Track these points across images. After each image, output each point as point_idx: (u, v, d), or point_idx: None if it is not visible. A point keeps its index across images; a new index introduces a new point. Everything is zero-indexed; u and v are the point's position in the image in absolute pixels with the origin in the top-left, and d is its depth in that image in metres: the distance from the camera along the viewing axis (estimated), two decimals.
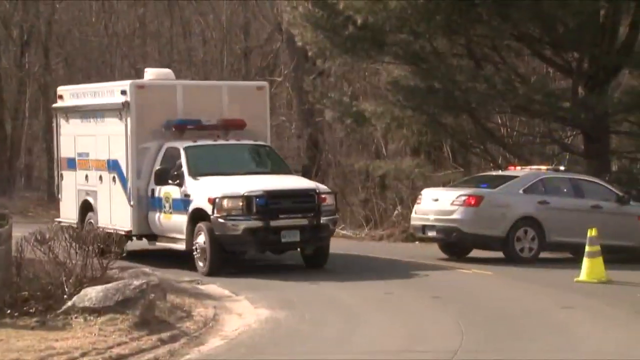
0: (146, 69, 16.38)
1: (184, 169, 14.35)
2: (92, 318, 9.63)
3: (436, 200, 15.76)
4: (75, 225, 15.16)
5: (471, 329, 9.80)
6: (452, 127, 19.39)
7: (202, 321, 10.26)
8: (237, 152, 15.26)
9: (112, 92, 15.54)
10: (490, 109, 19.34)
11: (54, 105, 17.26)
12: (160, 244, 14.88)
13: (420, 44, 18.29)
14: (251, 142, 15.27)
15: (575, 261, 14.04)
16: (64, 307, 9.91)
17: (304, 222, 13.73)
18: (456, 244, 15.74)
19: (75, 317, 9.70)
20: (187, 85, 16.02)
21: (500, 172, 16.79)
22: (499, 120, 21.73)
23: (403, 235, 19.38)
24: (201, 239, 13.80)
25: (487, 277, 13.74)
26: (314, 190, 14.12)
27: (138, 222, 14.93)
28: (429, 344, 9.27)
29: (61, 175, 16.90)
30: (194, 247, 13.92)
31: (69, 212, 16.52)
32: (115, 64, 34.11)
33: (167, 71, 16.39)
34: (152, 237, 15.03)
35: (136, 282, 10.04)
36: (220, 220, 13.60)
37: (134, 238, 15.12)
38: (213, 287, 12.82)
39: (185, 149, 14.62)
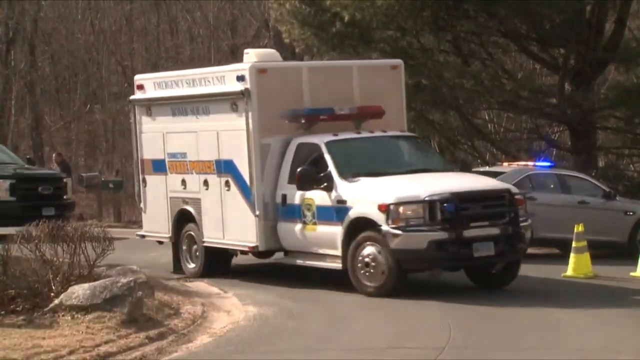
0: (246, 50, 13.54)
1: (331, 169, 11.86)
2: (79, 316, 9.60)
3: None
4: (163, 240, 13.83)
5: (458, 325, 9.81)
6: (439, 123, 19.43)
7: (190, 318, 10.25)
8: (387, 146, 12.73)
9: (221, 78, 12.86)
10: (478, 105, 19.43)
11: (132, 97, 14.43)
12: (299, 262, 12.36)
13: (407, 41, 18.33)
14: (399, 133, 12.93)
15: (562, 257, 14.09)
16: (51, 305, 9.88)
17: (496, 231, 11.33)
18: None
19: (63, 315, 9.67)
20: (313, 67, 13.45)
21: (487, 169, 16.83)
22: (486, 117, 21.82)
23: None
24: (367, 254, 11.34)
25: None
26: (507, 191, 11.70)
27: (266, 235, 12.33)
28: (417, 340, 9.28)
29: (144, 180, 14.19)
30: (355, 264, 11.48)
31: (156, 225, 13.92)
32: (102, 61, 34.02)
33: (272, 52, 13.75)
34: (282, 252, 12.69)
35: (124, 280, 10.01)
36: (397, 231, 11.09)
37: (238, 253, 13.12)
38: (201, 284, 12.80)
39: (328, 144, 12.08)
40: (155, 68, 32.39)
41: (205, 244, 13.19)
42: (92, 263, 10.83)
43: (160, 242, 14.26)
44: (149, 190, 14.12)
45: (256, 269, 14.16)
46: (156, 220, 13.93)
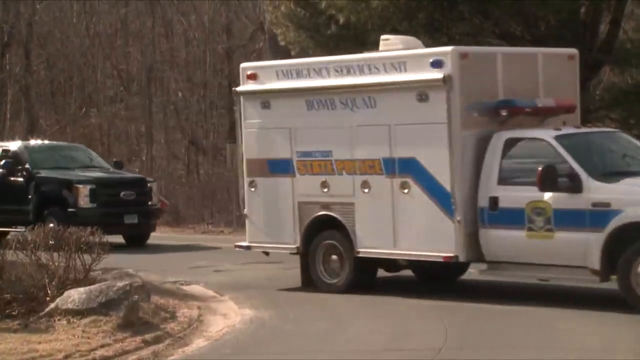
0: (385, 36, 12.50)
1: (575, 167, 10.40)
2: (75, 320, 9.58)
3: None
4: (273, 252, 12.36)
5: (455, 326, 9.82)
6: None
7: (187, 322, 10.24)
8: (612, 143, 11.54)
9: (399, 65, 11.38)
10: None
11: (240, 89, 12.67)
12: (515, 277, 11.19)
13: None
14: (611, 129, 12.25)
15: None
16: (47, 309, 9.86)
17: None
18: None
19: (58, 320, 9.66)
20: (507, 54, 12.03)
21: None
22: None
23: None
24: None
25: (471, 274, 13.76)
26: None
27: (467, 244, 10.88)
28: (413, 342, 9.28)
29: (252, 183, 12.49)
30: (631, 282, 10.04)
31: (271, 234, 12.35)
32: (98, 65, 33.99)
33: (412, 39, 12.50)
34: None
35: (120, 284, 10.00)
36: None
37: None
38: (197, 287, 12.79)
39: (560, 139, 10.67)
40: (150, 71, 32.41)
41: (359, 255, 11.55)
42: (87, 267, 10.82)
43: (267, 254, 12.78)
44: (260, 194, 12.39)
45: (244, 270, 14.15)
46: (272, 229, 12.29)
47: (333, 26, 17.84)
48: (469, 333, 9.57)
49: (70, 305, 9.74)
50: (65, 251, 10.67)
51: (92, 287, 10.01)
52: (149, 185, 17.82)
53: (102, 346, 8.85)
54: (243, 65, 13.21)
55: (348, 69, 11.86)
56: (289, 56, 24.24)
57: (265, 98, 12.39)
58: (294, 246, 12.15)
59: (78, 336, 9.14)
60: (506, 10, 17.48)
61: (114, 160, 20.81)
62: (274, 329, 10.02)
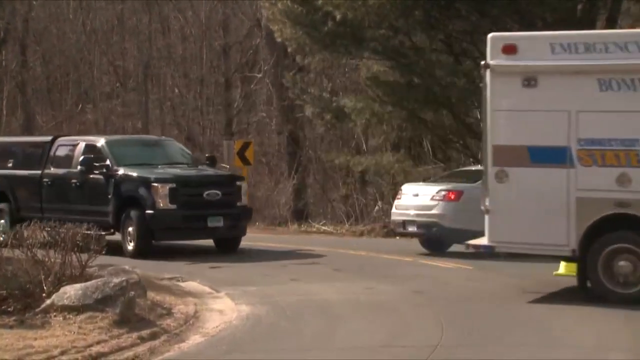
0: None
1: None
2: (71, 316, 9.57)
3: (416, 195, 15.79)
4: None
5: (451, 323, 9.82)
6: (431, 122, 19.45)
7: (183, 318, 10.23)
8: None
9: None
10: (470, 104, 19.43)
11: (494, 62, 10.93)
12: None
13: (399, 40, 18.36)
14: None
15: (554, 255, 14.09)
16: (43, 305, 9.85)
17: None
18: (437, 238, 15.79)
19: (55, 316, 9.64)
20: None
21: (480, 167, 16.84)
22: (479, 115, 21.81)
23: (384, 230, 19.44)
24: None
25: (468, 271, 13.78)
26: None
27: None
28: (410, 339, 9.28)
29: (501, 173, 10.99)
30: None
31: (529, 232, 10.87)
32: (94, 61, 33.96)
33: None
34: None
35: (116, 280, 9.98)
36: None
37: None
38: (194, 284, 12.78)
39: None
40: (147, 68, 32.37)
41: None
42: (84, 263, 10.80)
43: (500, 255, 11.73)
44: (514, 186, 10.89)
45: (240, 265, 14.16)
46: (531, 227, 10.85)
47: (330, 23, 17.86)
48: (465, 331, 9.58)
49: (66, 302, 9.73)
50: (62, 247, 10.65)
51: (88, 283, 9.99)
52: (237, 183, 15.80)
53: (98, 342, 8.83)
54: (494, 35, 11.25)
55: None
56: (285, 52, 24.17)
57: (530, 75, 10.75)
58: (567, 248, 10.73)
59: (74, 332, 9.13)
60: (503, 9, 17.51)
61: (206, 155, 18.89)
62: (270, 325, 10.02)
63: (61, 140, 17.39)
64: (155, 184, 15.09)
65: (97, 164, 15.79)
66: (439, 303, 11.01)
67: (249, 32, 31.05)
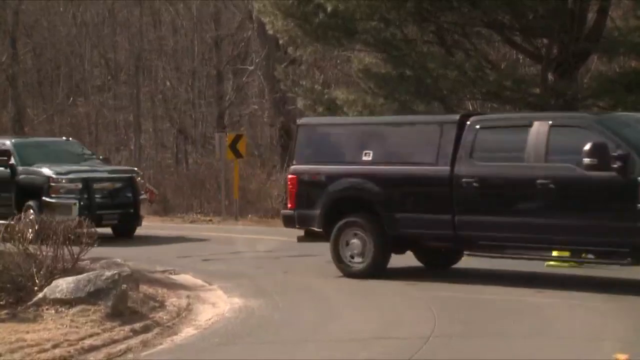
0: None
1: None
2: (63, 309, 9.55)
3: None
4: None
5: (444, 314, 9.84)
6: (423, 114, 19.39)
7: (175, 311, 10.22)
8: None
9: None
10: (462, 96, 19.43)
11: None
12: None
13: (390, 32, 18.31)
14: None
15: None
16: (35, 298, 9.83)
17: None
18: None
19: (47, 309, 9.62)
20: None
21: None
22: (470, 107, 21.82)
23: None
24: None
25: (459, 262, 13.79)
26: None
27: None
28: (402, 330, 9.30)
29: None
30: None
31: None
32: (85, 54, 33.86)
33: None
34: None
35: (108, 273, 9.97)
36: None
37: None
38: (186, 277, 12.77)
39: None
40: (138, 60, 32.28)
41: None
42: (76, 257, 10.78)
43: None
44: None
45: (233, 258, 14.15)
46: None
47: (321, 15, 17.80)
48: (457, 322, 9.59)
49: (58, 295, 9.71)
50: (53, 241, 10.63)
51: (81, 276, 9.97)
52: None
53: (90, 335, 8.82)
54: None
55: None
56: (277, 45, 24.14)
57: None
58: None
59: (66, 325, 9.12)
60: (495, 0, 17.48)
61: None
62: (263, 318, 10.02)
63: None
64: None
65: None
66: (432, 294, 11.02)
67: (240, 24, 30.99)
